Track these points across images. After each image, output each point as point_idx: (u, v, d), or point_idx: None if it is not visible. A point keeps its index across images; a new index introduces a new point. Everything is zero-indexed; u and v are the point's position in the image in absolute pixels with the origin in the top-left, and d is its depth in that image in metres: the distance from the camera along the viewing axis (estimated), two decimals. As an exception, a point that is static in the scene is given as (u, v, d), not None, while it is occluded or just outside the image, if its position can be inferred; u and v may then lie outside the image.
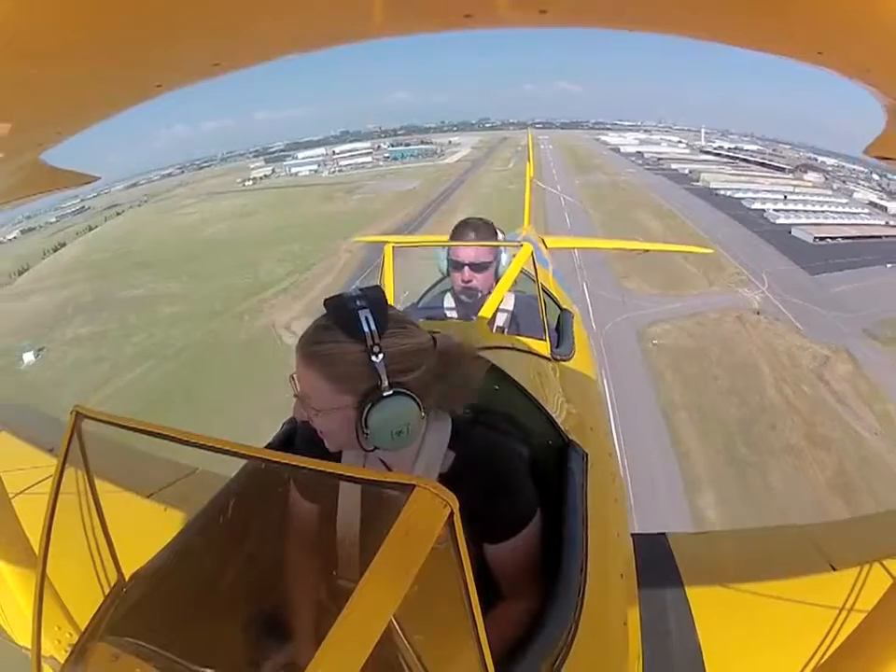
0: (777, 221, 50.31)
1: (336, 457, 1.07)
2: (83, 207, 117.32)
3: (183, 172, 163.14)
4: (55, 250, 75.49)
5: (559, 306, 2.62)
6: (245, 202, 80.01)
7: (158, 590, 1.01)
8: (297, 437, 1.27)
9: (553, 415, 1.40)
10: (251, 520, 1.15)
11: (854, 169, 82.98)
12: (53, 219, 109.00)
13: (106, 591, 0.96)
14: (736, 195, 61.19)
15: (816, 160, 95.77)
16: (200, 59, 0.65)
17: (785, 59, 0.62)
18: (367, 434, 0.97)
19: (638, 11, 0.59)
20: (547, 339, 1.95)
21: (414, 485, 0.63)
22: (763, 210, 54.13)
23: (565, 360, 2.03)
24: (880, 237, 46.71)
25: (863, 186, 71.16)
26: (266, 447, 1.23)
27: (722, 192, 62.69)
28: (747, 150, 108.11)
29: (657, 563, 1.57)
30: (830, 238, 45.69)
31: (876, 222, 51.70)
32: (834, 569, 1.53)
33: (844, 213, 55.62)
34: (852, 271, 36.76)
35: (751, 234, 45.52)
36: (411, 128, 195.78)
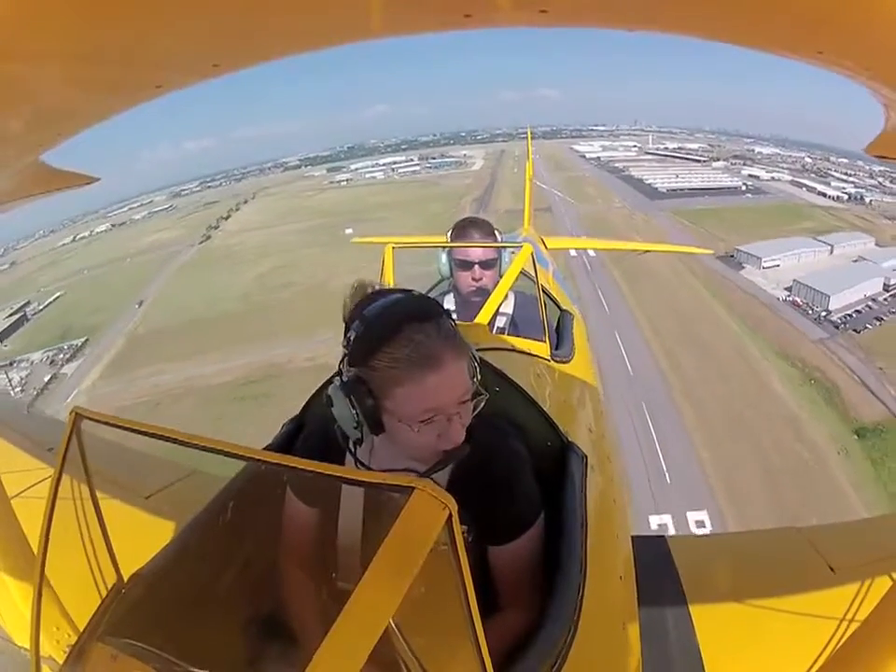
0: (654, 186, 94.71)
1: (339, 460, 1.06)
2: (171, 206, 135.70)
3: (220, 184, 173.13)
4: (226, 218, 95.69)
5: (559, 307, 2.62)
6: (362, 191, 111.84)
7: (156, 591, 0.99)
8: (298, 439, 1.29)
9: (553, 417, 1.39)
10: (250, 522, 1.14)
11: (789, 156, 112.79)
12: (139, 216, 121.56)
13: (105, 592, 0.95)
14: (642, 176, 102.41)
15: (753, 150, 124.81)
16: (200, 60, 0.65)
17: (785, 58, 0.62)
18: None
19: (639, 10, 0.59)
20: (547, 340, 1.93)
21: (413, 488, 0.62)
22: (652, 183, 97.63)
23: (564, 362, 2.01)
24: (721, 188, 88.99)
25: (770, 168, 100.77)
26: (265, 449, 1.24)
27: (636, 177, 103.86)
28: (688, 148, 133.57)
29: (656, 565, 1.56)
30: (679, 189, 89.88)
31: (732, 182, 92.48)
32: (834, 572, 1.50)
33: (719, 180, 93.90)
34: (678, 199, 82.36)
35: (634, 191, 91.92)
36: (412, 142, 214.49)
